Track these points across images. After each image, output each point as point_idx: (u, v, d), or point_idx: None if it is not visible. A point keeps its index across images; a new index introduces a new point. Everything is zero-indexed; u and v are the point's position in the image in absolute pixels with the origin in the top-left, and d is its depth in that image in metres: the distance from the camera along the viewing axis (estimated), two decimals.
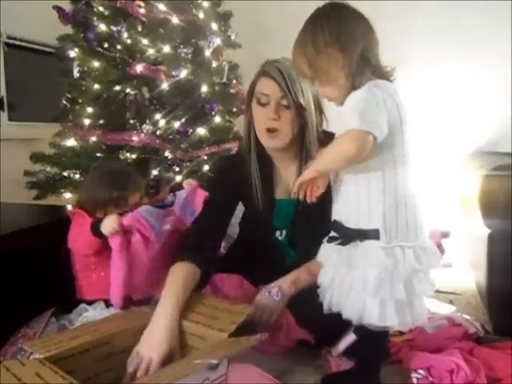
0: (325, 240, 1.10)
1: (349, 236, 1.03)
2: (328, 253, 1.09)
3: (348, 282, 1.04)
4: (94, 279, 1.53)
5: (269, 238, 1.49)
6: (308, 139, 1.37)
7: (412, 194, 1.04)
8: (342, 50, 1.01)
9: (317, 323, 1.24)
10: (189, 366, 0.90)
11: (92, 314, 1.40)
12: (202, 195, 1.56)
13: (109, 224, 1.42)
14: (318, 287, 1.13)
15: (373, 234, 1.01)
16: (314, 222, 1.17)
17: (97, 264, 1.53)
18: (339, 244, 1.04)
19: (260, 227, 1.50)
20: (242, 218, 1.60)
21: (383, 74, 1.05)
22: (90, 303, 1.48)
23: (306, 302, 1.27)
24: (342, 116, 1.02)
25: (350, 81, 1.03)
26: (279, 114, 1.32)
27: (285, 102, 1.32)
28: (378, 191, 1.01)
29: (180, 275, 1.26)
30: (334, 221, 1.07)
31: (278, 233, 1.49)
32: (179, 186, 1.77)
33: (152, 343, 1.10)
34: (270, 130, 1.34)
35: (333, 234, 1.07)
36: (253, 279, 1.45)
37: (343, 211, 1.06)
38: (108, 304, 1.45)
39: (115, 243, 1.42)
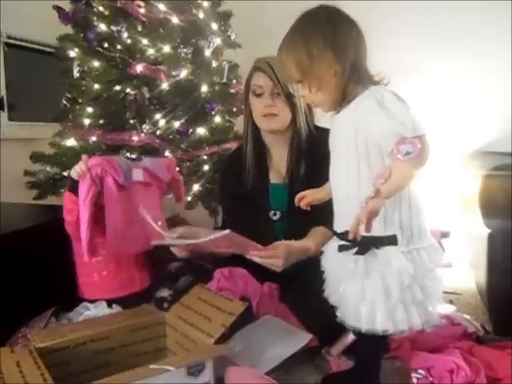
0: (330, 248, 1.09)
1: (365, 244, 0.99)
2: (342, 263, 1.04)
3: (357, 292, 1.01)
4: (95, 278, 1.52)
5: (265, 220, 1.57)
6: (298, 122, 1.54)
7: (417, 195, 1.03)
8: (336, 56, 0.99)
9: (318, 324, 1.24)
10: (146, 370, 0.92)
11: (93, 312, 1.41)
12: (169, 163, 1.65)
13: (76, 167, 1.41)
14: (322, 289, 1.12)
15: (391, 240, 0.99)
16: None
17: (98, 262, 1.52)
18: (357, 253, 1.00)
19: (255, 209, 1.57)
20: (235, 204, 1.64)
21: (374, 82, 1.03)
22: (91, 302, 1.48)
23: (308, 302, 1.28)
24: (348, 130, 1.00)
25: (341, 88, 1.02)
26: (274, 100, 1.51)
27: (277, 90, 1.50)
28: (394, 197, 0.98)
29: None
30: (346, 231, 1.00)
31: (271, 213, 1.58)
32: None
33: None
34: (266, 115, 1.52)
35: (342, 242, 1.04)
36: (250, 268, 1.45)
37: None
38: (110, 303, 1.45)
39: (82, 188, 1.40)
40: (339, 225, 1.08)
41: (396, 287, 0.98)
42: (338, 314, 1.05)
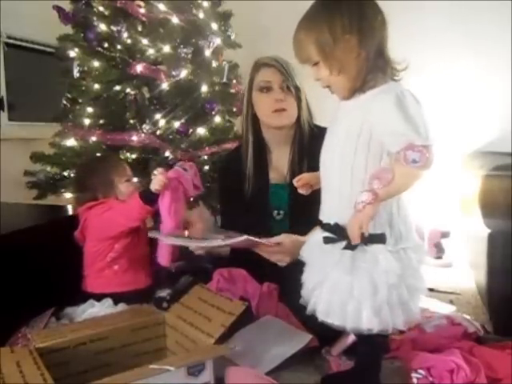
0: (313, 239, 1.08)
1: None
2: (327, 254, 1.03)
3: (345, 289, 0.99)
4: (106, 273, 1.54)
5: (267, 220, 1.56)
6: (302, 119, 1.54)
7: (404, 194, 1.02)
8: (361, 38, 0.93)
9: (318, 324, 1.24)
10: (146, 370, 0.92)
11: (97, 310, 1.40)
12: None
13: (157, 180, 1.42)
14: None
15: (379, 238, 0.97)
16: (310, 204, 1.18)
17: (112, 258, 1.54)
18: (346, 248, 0.98)
19: (255, 209, 1.56)
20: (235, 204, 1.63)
21: (395, 73, 0.99)
22: (98, 299, 1.48)
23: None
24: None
25: (362, 74, 0.96)
26: (284, 95, 1.49)
27: (286, 85, 1.49)
28: None
29: None
30: (336, 224, 1.00)
31: (275, 212, 1.57)
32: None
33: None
34: (278, 111, 1.49)
35: (328, 234, 1.02)
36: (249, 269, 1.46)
37: (344, 215, 0.98)
38: (116, 301, 1.46)
39: (165, 201, 1.43)
40: (326, 215, 1.05)
41: (383, 286, 0.97)
42: (320, 314, 1.02)
